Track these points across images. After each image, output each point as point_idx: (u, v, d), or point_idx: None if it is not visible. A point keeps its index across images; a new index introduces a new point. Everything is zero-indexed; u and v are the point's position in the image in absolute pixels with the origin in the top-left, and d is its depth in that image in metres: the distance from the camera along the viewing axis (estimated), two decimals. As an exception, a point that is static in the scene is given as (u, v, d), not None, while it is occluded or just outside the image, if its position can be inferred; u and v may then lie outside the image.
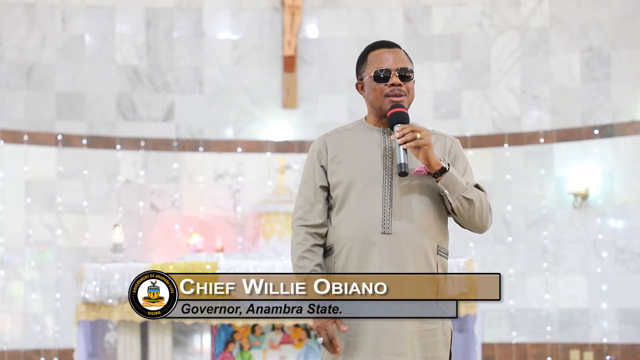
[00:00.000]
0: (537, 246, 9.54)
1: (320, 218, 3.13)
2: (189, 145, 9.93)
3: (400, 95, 3.10)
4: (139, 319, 6.63)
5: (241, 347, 6.89)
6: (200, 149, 9.93)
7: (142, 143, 9.82)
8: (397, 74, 3.11)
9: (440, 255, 3.11)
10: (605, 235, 9.30)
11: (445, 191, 3.04)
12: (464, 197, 3.04)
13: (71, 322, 7.77)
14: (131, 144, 9.80)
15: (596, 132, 9.41)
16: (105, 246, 8.66)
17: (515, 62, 9.80)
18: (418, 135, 2.98)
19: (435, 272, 3.07)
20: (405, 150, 3.00)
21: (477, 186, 3.11)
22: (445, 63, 9.98)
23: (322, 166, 3.14)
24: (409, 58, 3.20)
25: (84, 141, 9.68)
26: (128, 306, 6.64)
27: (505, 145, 9.74)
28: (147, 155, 9.84)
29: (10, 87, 9.53)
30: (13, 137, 9.44)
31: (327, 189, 3.14)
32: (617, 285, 9.22)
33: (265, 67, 10.10)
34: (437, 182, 3.03)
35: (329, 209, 3.15)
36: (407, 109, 3.09)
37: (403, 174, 2.99)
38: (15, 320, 9.31)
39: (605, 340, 9.21)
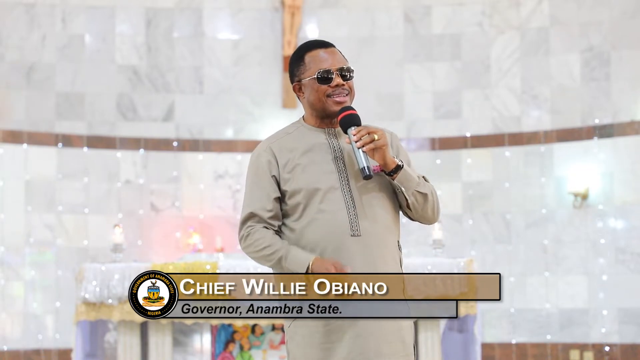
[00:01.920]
0: (537, 246, 9.54)
1: (276, 225, 3.09)
2: (189, 145, 9.93)
3: (342, 95, 3.10)
4: (139, 319, 6.63)
5: (241, 347, 6.89)
6: (200, 149, 9.93)
7: (142, 143, 9.82)
8: (339, 74, 3.10)
9: (399, 250, 3.14)
10: (605, 235, 9.30)
11: (402, 188, 3.05)
12: (418, 191, 3.07)
13: (71, 322, 7.77)
14: (131, 144, 9.80)
15: (596, 132, 9.41)
16: (105, 246, 8.66)
17: (515, 62, 9.80)
18: (375, 137, 2.98)
19: (400, 267, 3.10)
20: (364, 152, 2.98)
21: (424, 178, 3.13)
22: (445, 63, 9.98)
23: (273, 176, 3.09)
24: (345, 57, 3.18)
25: (84, 141, 9.68)
26: (128, 306, 6.64)
27: (505, 145, 9.74)
28: (147, 155, 9.84)
29: (10, 87, 9.53)
30: (13, 137, 9.44)
31: (279, 199, 3.09)
32: (617, 285, 9.22)
33: (265, 67, 10.11)
34: (393, 179, 3.04)
35: (284, 216, 3.10)
36: (354, 109, 3.09)
37: (368, 177, 2.98)
38: (15, 320, 9.31)
39: (605, 340, 9.21)
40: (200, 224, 9.83)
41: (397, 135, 3.22)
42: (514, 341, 9.50)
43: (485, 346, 8.98)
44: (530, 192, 9.62)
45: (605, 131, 9.38)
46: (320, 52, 3.13)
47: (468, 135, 9.81)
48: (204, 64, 10.03)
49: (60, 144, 9.59)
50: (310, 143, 3.11)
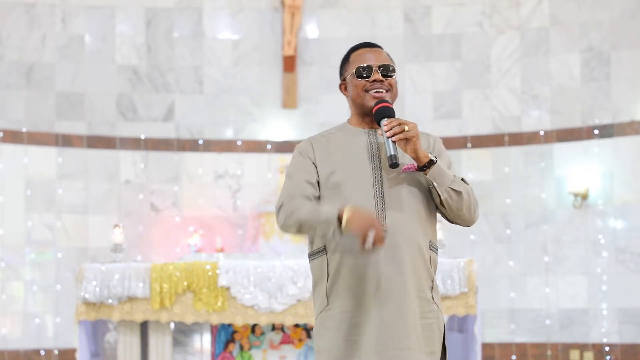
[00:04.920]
0: (537, 246, 9.54)
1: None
2: (189, 145, 9.94)
3: (381, 91, 3.13)
4: (139, 318, 6.64)
5: (241, 347, 6.89)
6: (200, 149, 9.93)
7: (142, 143, 9.83)
8: (379, 71, 3.15)
9: (432, 250, 3.15)
10: (605, 235, 9.30)
11: (435, 183, 3.05)
12: (452, 189, 3.07)
13: (71, 322, 7.77)
14: (131, 144, 9.80)
15: (596, 132, 9.41)
16: (105, 246, 8.65)
17: (515, 62, 9.80)
18: (406, 128, 2.99)
19: (429, 266, 3.11)
20: (394, 142, 3.00)
21: (462, 180, 3.13)
22: (445, 63, 9.98)
23: (313, 163, 3.13)
24: (391, 58, 3.23)
25: (84, 141, 9.68)
26: (128, 306, 6.65)
27: (505, 145, 9.74)
28: (147, 155, 9.84)
29: (10, 87, 9.53)
30: (13, 137, 9.44)
31: (317, 186, 3.12)
32: (617, 285, 9.22)
33: (265, 67, 10.11)
34: (426, 174, 3.05)
35: None
36: (391, 104, 3.12)
37: (394, 165, 2.98)
38: (15, 320, 9.31)
39: (605, 340, 9.21)
40: (200, 224, 9.83)
41: (440, 140, 3.25)
42: (514, 341, 9.49)
43: (485, 346, 8.98)
44: (530, 192, 9.62)
45: (605, 131, 9.38)
46: (365, 51, 3.21)
47: (468, 135, 9.81)
48: (204, 64, 10.03)
49: (60, 144, 9.59)
50: (348, 141, 3.16)
